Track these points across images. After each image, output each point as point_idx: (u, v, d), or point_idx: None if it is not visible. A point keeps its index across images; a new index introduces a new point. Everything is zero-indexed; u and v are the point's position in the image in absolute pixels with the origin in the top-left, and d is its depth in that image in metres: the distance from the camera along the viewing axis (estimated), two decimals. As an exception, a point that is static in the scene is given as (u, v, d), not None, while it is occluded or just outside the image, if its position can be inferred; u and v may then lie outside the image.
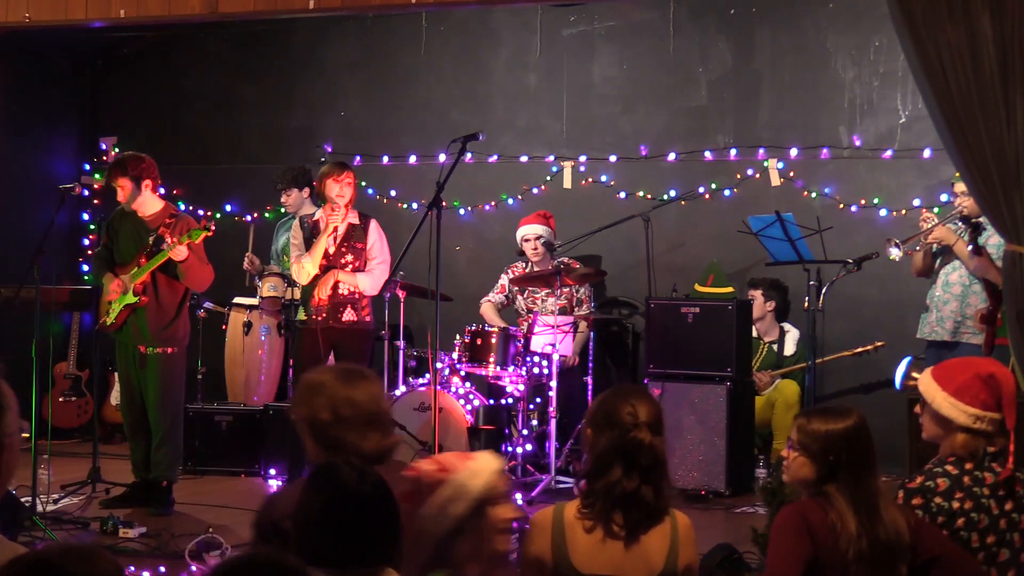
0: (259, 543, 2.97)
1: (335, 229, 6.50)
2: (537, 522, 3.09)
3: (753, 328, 7.40)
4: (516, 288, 7.63)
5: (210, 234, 6.26)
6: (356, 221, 6.63)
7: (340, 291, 6.48)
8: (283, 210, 8.18)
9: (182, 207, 7.88)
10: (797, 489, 3.31)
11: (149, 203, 6.44)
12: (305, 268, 6.45)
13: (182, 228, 6.34)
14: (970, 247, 5.79)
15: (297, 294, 7.30)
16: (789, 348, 7.60)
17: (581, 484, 3.11)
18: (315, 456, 3.10)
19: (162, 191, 6.65)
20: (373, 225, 6.66)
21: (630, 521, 3.03)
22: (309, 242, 6.57)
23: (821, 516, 3.09)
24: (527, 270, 7.57)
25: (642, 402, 3.12)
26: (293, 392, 3.02)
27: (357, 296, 6.52)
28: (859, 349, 7.40)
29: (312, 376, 3.15)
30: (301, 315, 6.56)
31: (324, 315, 6.43)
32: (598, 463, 3.05)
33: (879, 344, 7.32)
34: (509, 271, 7.69)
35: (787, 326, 7.68)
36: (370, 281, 6.54)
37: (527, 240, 7.51)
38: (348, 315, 6.48)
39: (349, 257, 6.53)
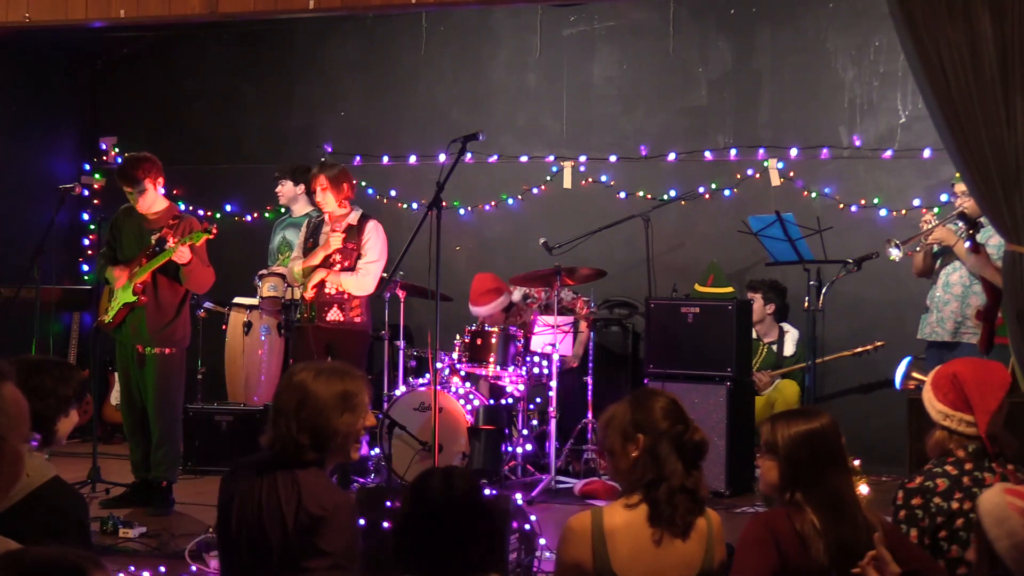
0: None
1: (336, 251, 6.53)
2: (575, 528, 3.07)
3: (753, 329, 7.40)
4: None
5: (212, 236, 6.27)
6: (354, 222, 6.62)
7: (325, 290, 6.49)
8: (282, 209, 8.20)
9: (182, 207, 7.88)
10: (771, 496, 3.28)
11: (156, 202, 6.46)
12: (294, 274, 6.56)
13: (185, 229, 6.35)
14: (968, 244, 5.77)
15: (297, 294, 7.31)
16: (788, 349, 7.60)
17: (636, 494, 3.07)
18: None
19: (161, 191, 6.65)
20: (371, 225, 6.64)
21: (690, 516, 3.05)
22: (305, 243, 6.63)
23: (788, 526, 3.06)
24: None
25: (670, 395, 3.20)
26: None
27: (346, 296, 6.51)
28: (859, 349, 7.40)
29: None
30: (298, 316, 6.61)
31: (309, 313, 6.47)
32: (660, 468, 3.04)
33: (879, 344, 7.32)
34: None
35: (786, 326, 7.68)
36: (355, 281, 6.51)
37: (484, 319, 7.50)
38: (333, 315, 6.48)
39: (337, 257, 6.53)
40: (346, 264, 6.52)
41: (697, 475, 3.09)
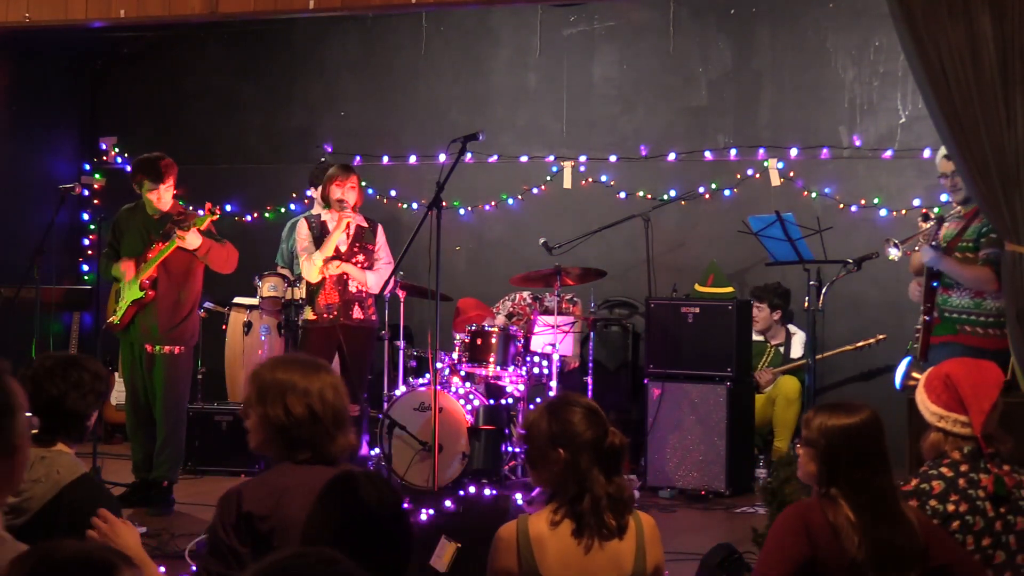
0: (220, 535, 2.90)
1: (348, 225, 6.53)
2: (503, 537, 3.06)
3: (762, 335, 7.42)
4: None
5: (215, 218, 6.29)
6: (365, 224, 6.68)
7: (351, 289, 6.53)
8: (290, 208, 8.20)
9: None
10: (807, 486, 3.29)
11: (166, 200, 6.49)
12: (316, 263, 6.49)
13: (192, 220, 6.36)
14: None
15: (297, 294, 7.31)
16: (796, 351, 7.57)
17: (560, 508, 3.04)
18: (270, 452, 3.06)
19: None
20: (380, 228, 6.78)
21: (620, 519, 3.03)
22: (319, 241, 6.60)
23: (821, 517, 3.07)
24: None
25: (587, 400, 3.12)
26: (248, 383, 2.99)
27: (364, 294, 6.58)
28: (860, 343, 7.40)
29: (271, 371, 3.06)
30: (308, 315, 6.58)
31: (336, 313, 6.47)
32: (581, 481, 3.02)
33: (881, 337, 7.31)
34: None
35: (793, 328, 7.66)
36: (376, 279, 6.62)
37: None
38: (357, 312, 6.57)
39: (360, 257, 6.61)
40: (366, 264, 6.59)
41: (619, 480, 3.04)
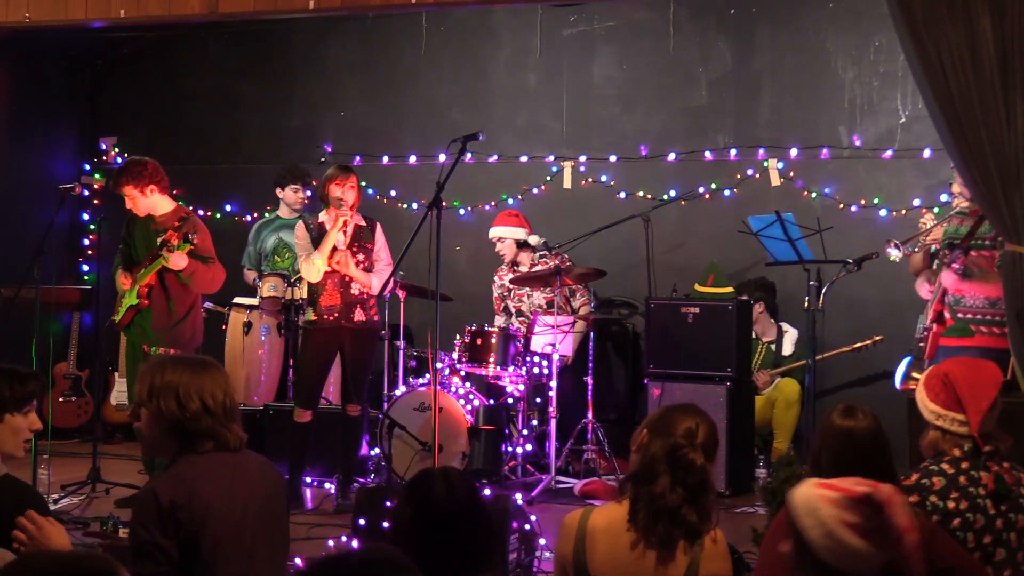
0: (143, 535, 2.94)
1: (344, 223, 6.49)
2: (565, 523, 3.14)
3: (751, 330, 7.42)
4: (507, 293, 7.65)
5: (192, 247, 6.25)
6: (363, 223, 6.64)
7: (352, 291, 6.49)
8: (267, 213, 8.23)
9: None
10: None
11: (159, 205, 6.50)
12: (316, 264, 6.43)
13: (188, 231, 6.35)
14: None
15: (297, 294, 7.30)
16: (787, 348, 7.59)
17: (627, 488, 3.09)
18: (169, 450, 3.13)
19: (157, 195, 6.61)
20: (379, 228, 6.70)
21: (671, 535, 3.01)
22: (317, 242, 6.56)
23: None
24: (512, 270, 7.61)
25: (704, 423, 3.12)
26: (139, 383, 3.10)
27: (366, 296, 6.54)
28: (858, 344, 7.40)
29: (160, 372, 3.13)
30: (310, 316, 6.53)
31: (336, 315, 6.43)
32: (647, 467, 3.04)
33: (878, 339, 7.31)
34: (496, 278, 7.72)
35: (785, 326, 7.67)
36: (378, 281, 6.56)
37: (494, 241, 7.60)
38: (359, 315, 6.50)
39: (360, 256, 6.54)
40: (366, 264, 6.54)
41: (681, 492, 3.01)
